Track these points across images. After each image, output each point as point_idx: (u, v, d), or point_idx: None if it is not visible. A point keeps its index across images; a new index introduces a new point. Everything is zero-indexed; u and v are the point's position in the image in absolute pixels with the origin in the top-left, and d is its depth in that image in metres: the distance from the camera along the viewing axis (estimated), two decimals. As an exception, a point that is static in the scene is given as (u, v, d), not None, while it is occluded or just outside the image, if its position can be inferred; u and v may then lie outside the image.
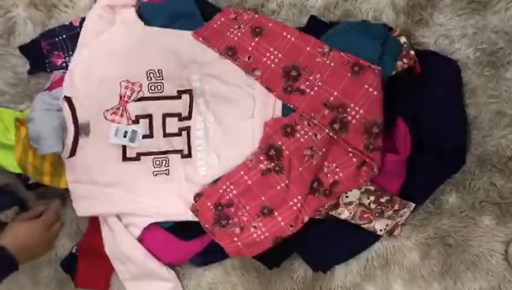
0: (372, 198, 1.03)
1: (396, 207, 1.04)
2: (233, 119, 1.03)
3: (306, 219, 1.01)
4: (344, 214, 1.04)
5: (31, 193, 1.16)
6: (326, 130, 0.97)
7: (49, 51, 1.11)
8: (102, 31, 1.05)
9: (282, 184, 1.00)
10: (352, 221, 1.05)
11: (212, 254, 1.10)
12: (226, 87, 1.03)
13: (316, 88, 0.98)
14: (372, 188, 1.02)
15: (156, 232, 1.07)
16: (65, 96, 1.02)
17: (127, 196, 1.03)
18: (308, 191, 1.00)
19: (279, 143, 0.99)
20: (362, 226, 1.06)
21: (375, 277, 1.11)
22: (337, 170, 0.99)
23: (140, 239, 1.07)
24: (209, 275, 1.16)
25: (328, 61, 0.99)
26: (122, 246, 1.07)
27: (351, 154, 0.98)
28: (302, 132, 0.99)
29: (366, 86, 0.96)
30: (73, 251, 1.16)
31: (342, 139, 0.97)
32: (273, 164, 1.00)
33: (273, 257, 1.09)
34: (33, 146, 1.02)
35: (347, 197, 1.02)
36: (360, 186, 1.01)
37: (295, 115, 1.00)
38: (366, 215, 1.05)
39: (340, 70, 0.98)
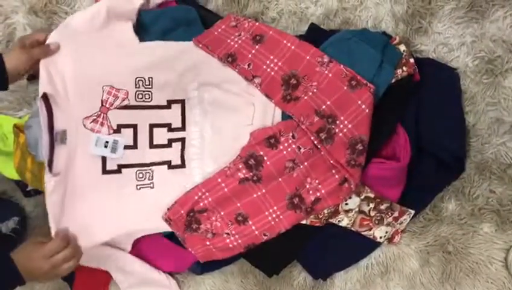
0: (372, 205, 1.03)
1: (396, 214, 1.04)
2: (233, 126, 1.02)
3: (283, 230, 1.01)
4: (344, 221, 1.04)
5: (30, 199, 1.15)
6: (312, 138, 0.97)
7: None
8: (90, 32, 0.99)
9: (259, 193, 1.00)
10: (352, 228, 1.05)
11: (211, 262, 1.09)
12: (226, 96, 1.02)
13: (310, 93, 0.99)
14: (372, 195, 1.02)
15: (155, 239, 1.07)
16: (43, 99, 0.96)
17: (108, 218, 0.97)
18: (288, 206, 1.00)
19: (261, 153, 0.99)
20: (362, 233, 1.06)
21: (375, 284, 1.11)
22: (320, 186, 0.99)
23: (139, 247, 1.06)
24: (208, 283, 1.15)
25: (326, 72, 0.99)
26: (118, 261, 1.06)
27: (333, 171, 0.98)
28: (286, 144, 0.99)
29: (359, 102, 0.96)
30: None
31: (326, 149, 0.96)
32: (251, 174, 0.99)
33: (272, 264, 1.09)
34: (31, 153, 1.01)
35: (347, 204, 1.02)
36: (338, 203, 1.01)
37: (281, 126, 0.99)
38: (365, 223, 1.05)
39: (337, 82, 0.98)
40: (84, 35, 0.98)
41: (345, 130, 0.96)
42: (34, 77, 1.12)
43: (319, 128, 0.97)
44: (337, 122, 0.96)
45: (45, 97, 0.97)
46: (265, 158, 0.99)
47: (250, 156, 0.99)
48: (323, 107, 0.97)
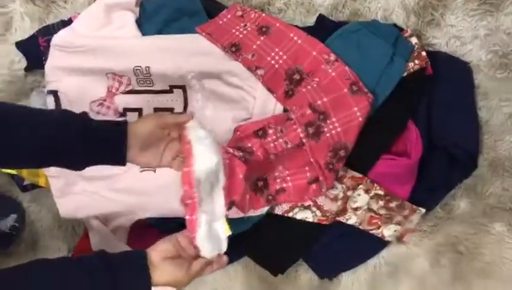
0: (381, 203, 1.00)
1: (406, 212, 1.02)
2: (232, 119, 1.00)
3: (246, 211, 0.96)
4: (352, 219, 1.02)
5: (26, 194, 1.13)
6: (299, 129, 0.95)
7: (47, 47, 1.07)
8: (96, 30, 1.02)
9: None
10: (360, 227, 1.03)
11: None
12: (226, 87, 1.00)
13: (309, 87, 0.97)
14: (381, 192, 0.99)
15: (153, 235, 1.04)
16: (50, 90, 1.00)
17: (111, 193, 1.01)
18: (251, 187, 0.97)
19: (249, 145, 0.96)
20: (370, 232, 1.04)
21: (383, 284, 1.09)
22: (288, 178, 0.98)
23: (136, 243, 1.04)
24: (210, 282, 1.12)
25: (330, 70, 0.97)
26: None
27: (307, 168, 0.97)
28: (274, 137, 0.97)
29: (355, 109, 0.94)
30: (69, 255, 1.12)
31: (310, 145, 0.95)
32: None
33: (278, 263, 1.07)
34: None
35: (356, 202, 1.00)
36: (302, 202, 0.99)
37: (270, 119, 0.97)
38: (374, 221, 1.02)
39: (338, 83, 0.96)
40: (88, 36, 1.01)
41: (333, 131, 0.95)
42: (31, 68, 1.10)
43: (308, 121, 0.95)
44: (328, 121, 0.95)
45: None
46: (254, 149, 0.96)
47: (239, 148, 0.96)
48: (319, 102, 0.96)
